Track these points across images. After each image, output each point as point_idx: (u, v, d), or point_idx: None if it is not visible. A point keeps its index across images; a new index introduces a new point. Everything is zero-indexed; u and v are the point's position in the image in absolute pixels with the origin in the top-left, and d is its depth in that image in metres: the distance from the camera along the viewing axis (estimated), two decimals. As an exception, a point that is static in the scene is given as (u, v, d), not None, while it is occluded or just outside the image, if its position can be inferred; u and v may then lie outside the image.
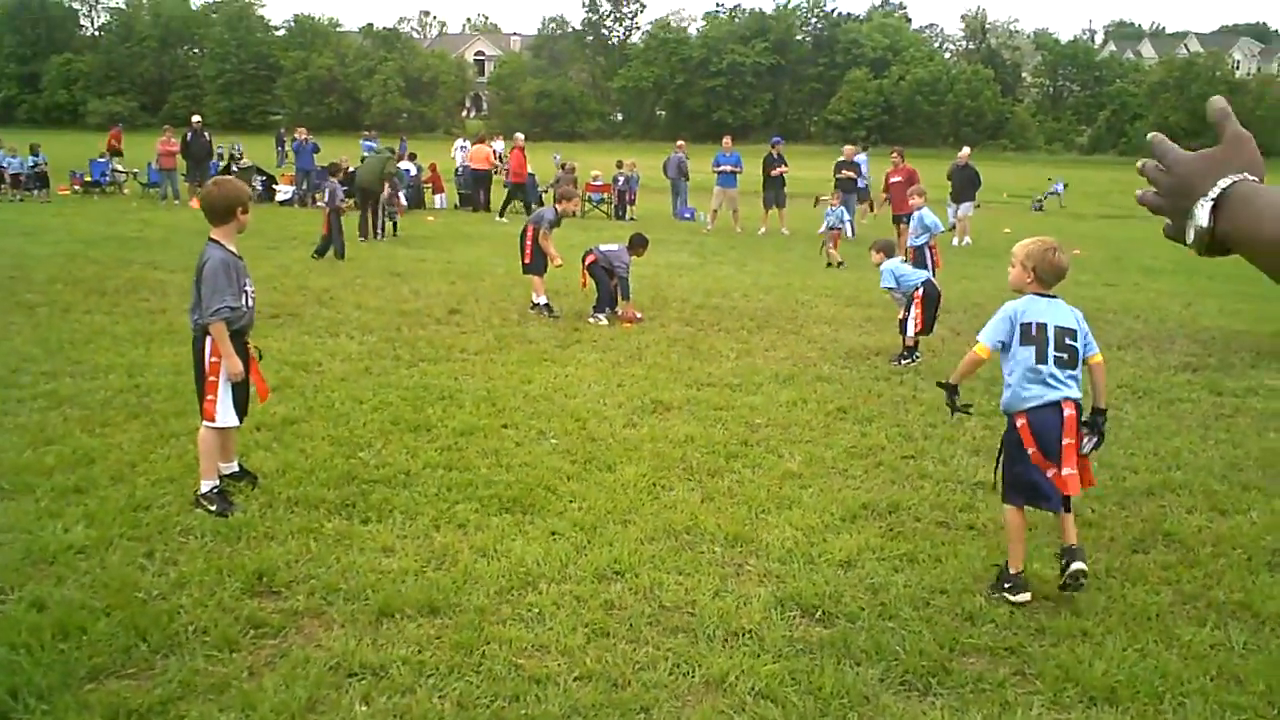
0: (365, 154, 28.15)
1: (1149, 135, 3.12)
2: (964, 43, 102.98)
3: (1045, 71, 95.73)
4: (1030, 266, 4.84)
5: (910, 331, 9.74)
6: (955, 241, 21.75)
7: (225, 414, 5.58)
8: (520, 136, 27.53)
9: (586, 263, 11.74)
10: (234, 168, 27.54)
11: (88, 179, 27.50)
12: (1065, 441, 4.64)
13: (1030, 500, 4.75)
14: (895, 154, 21.58)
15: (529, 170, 26.28)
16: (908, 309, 9.75)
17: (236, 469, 5.97)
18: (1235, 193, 1.55)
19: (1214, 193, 1.59)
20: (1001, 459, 4.88)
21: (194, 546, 5.06)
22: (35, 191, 24.98)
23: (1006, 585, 4.71)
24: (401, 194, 20.60)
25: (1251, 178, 1.66)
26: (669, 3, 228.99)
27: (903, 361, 9.73)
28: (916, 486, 6.33)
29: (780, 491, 6.14)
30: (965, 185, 22.91)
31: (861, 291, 14.15)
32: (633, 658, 4.12)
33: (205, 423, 5.59)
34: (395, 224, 20.43)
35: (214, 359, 5.51)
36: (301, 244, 17.63)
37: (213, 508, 5.48)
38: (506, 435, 7.12)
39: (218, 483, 5.62)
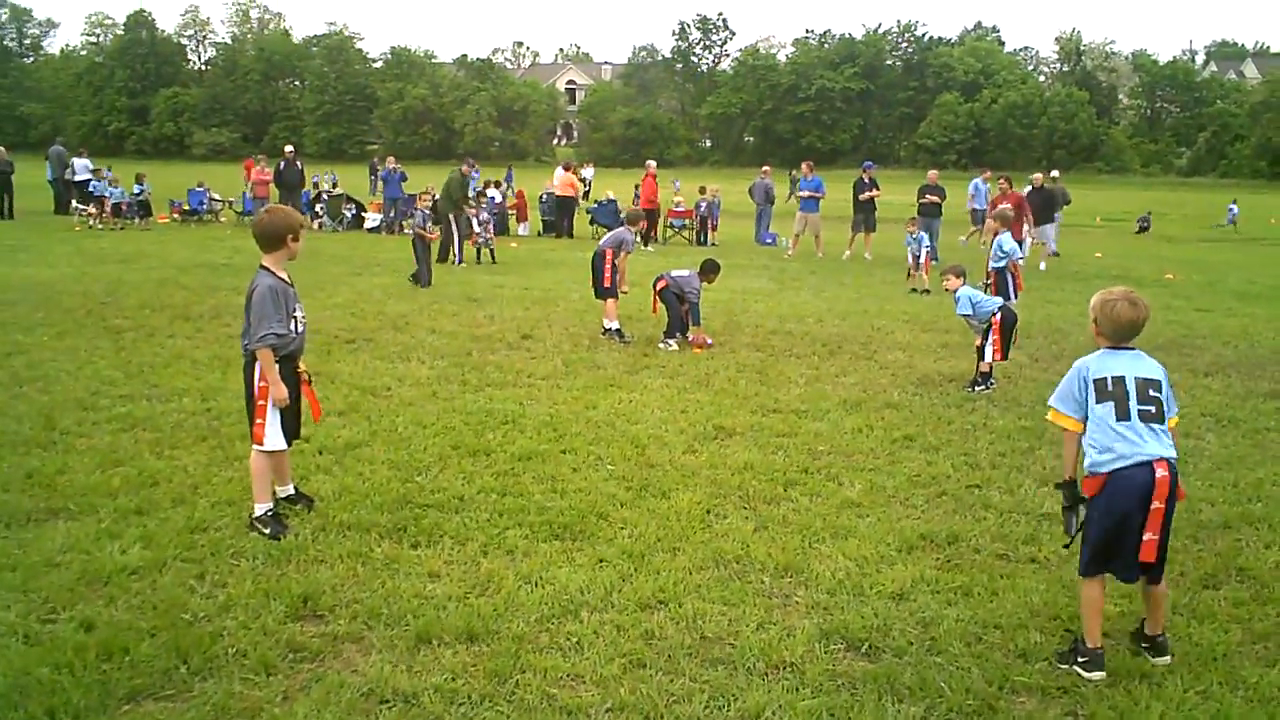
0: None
1: None
2: (1058, 65, 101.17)
3: (1143, 93, 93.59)
4: (1094, 319, 4.44)
5: (988, 357, 9.50)
6: (1041, 265, 21.27)
7: (274, 438, 5.65)
8: (652, 164, 27.34)
9: (658, 288, 11.71)
10: (324, 196, 28.19)
11: (185, 207, 28.40)
12: (1154, 506, 4.10)
13: (1111, 570, 4.27)
14: (1003, 180, 21.06)
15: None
16: (985, 335, 9.51)
17: (292, 492, 6.04)
18: None
19: None
20: (1082, 524, 4.35)
21: (244, 569, 5.12)
22: (136, 220, 25.86)
23: (1082, 660, 4.23)
24: (475, 221, 20.73)
25: None
26: (758, 29, 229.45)
27: (976, 388, 9.49)
28: (979, 517, 6.14)
29: (836, 520, 6.00)
30: (1042, 208, 22.39)
31: (940, 317, 13.88)
32: (668, 689, 4.04)
33: (255, 446, 5.66)
34: (491, 250, 20.79)
35: (262, 383, 5.58)
36: (385, 270, 17.94)
37: (266, 531, 5.54)
38: (564, 461, 7.09)
39: (271, 506, 5.68)
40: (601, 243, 12.44)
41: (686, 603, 4.82)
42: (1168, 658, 4.32)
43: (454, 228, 19.72)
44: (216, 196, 29.34)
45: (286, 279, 5.72)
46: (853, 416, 8.45)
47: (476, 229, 20.64)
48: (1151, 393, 4.27)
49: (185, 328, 11.76)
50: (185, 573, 5.04)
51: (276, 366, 5.58)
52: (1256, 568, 5.35)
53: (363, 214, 27.85)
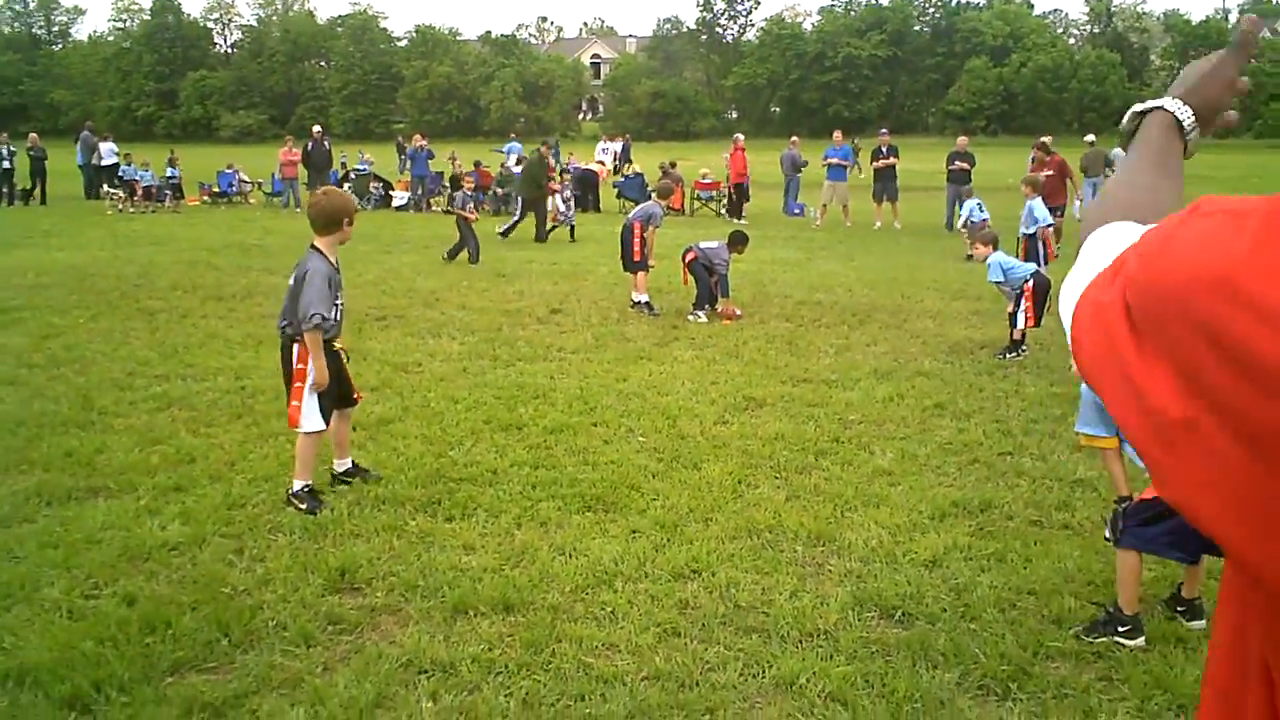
0: (506, 155, 28.68)
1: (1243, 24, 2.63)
2: (1088, 27, 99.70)
3: (1175, 54, 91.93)
4: None
5: (1020, 325, 9.43)
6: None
7: (312, 420, 5.68)
8: (740, 137, 26.87)
9: (687, 260, 11.69)
10: (352, 175, 28.28)
11: (215, 190, 28.58)
12: None
13: (1162, 551, 4.19)
14: (1037, 149, 20.01)
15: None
16: (1017, 302, 9.44)
17: (350, 466, 6.10)
18: (1149, 120, 1.23)
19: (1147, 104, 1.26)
20: (1132, 509, 4.22)
21: (282, 543, 5.19)
22: (167, 202, 26.07)
23: (1123, 629, 4.20)
24: (559, 199, 20.59)
25: (1181, 106, 1.33)
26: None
27: (1008, 355, 9.44)
28: (1012, 484, 6.12)
29: (868, 489, 6.00)
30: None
31: (970, 284, 13.78)
32: (702, 658, 4.06)
33: (297, 428, 5.71)
34: (572, 228, 20.52)
35: (299, 366, 5.62)
36: (414, 248, 18.00)
37: (303, 506, 5.60)
38: (595, 433, 7.12)
39: (309, 482, 5.73)
40: (630, 216, 12.43)
41: (720, 572, 4.84)
42: (1203, 621, 4.31)
43: (535, 211, 19.72)
44: (246, 178, 29.50)
45: (336, 264, 5.75)
46: (883, 385, 8.43)
47: (561, 207, 20.42)
48: None
49: (218, 308, 11.86)
50: (224, 548, 5.11)
51: (321, 349, 5.62)
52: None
53: (390, 192, 27.92)
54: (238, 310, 11.79)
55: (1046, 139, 20.42)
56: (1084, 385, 4.39)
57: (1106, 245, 1.00)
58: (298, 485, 5.71)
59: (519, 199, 20.29)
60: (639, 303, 11.80)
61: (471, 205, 16.99)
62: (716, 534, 5.32)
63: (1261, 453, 0.71)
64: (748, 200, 24.93)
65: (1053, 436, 7.07)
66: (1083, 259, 1.04)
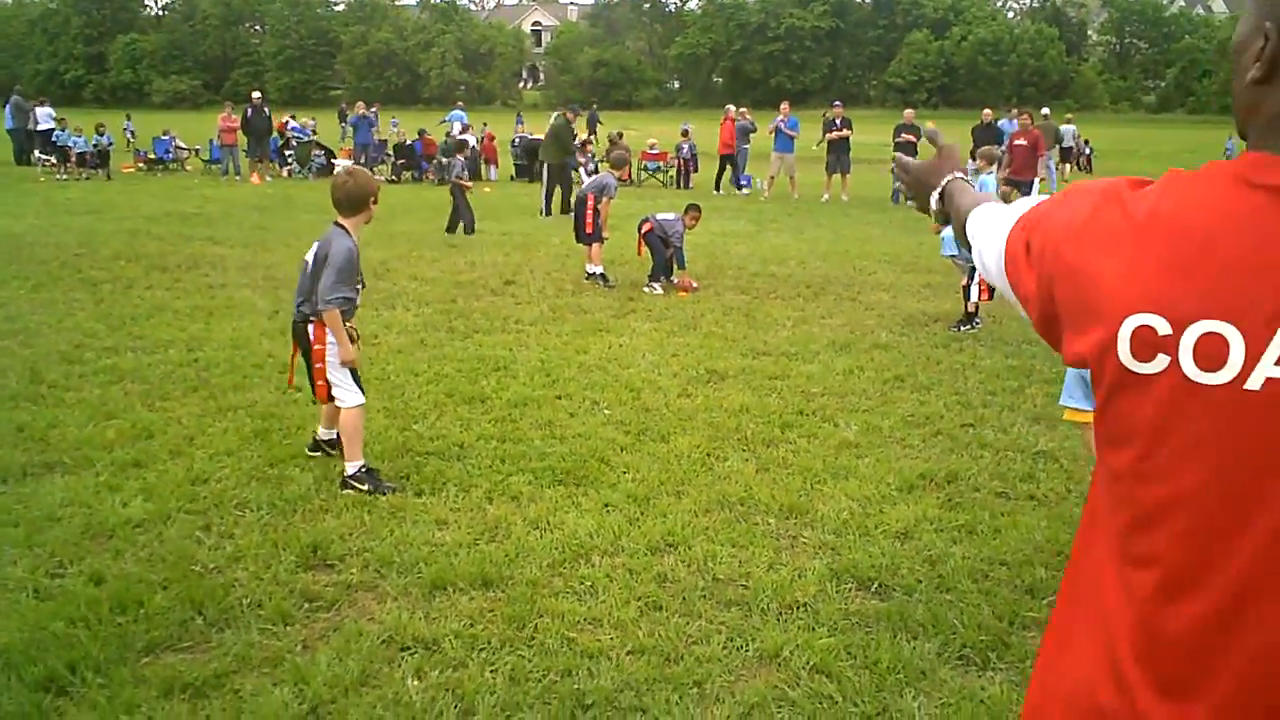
0: (450, 125, 28.14)
1: (926, 126, 3.16)
2: (1028, 1, 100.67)
3: (1112, 29, 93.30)
4: None
5: (974, 297, 9.53)
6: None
7: (353, 394, 5.57)
8: (731, 109, 26.35)
9: (643, 231, 11.66)
10: (293, 142, 27.78)
11: (151, 156, 27.91)
12: None
13: None
14: (1025, 116, 19.49)
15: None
16: (971, 275, 9.53)
17: (336, 436, 5.97)
18: (950, 186, 1.64)
19: (940, 186, 1.67)
20: None
21: (250, 520, 5.10)
22: (100, 170, 25.43)
23: None
24: (584, 170, 20.00)
25: (960, 175, 1.76)
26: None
27: (963, 328, 9.54)
28: (976, 456, 6.20)
29: (836, 461, 6.05)
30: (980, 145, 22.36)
31: (921, 257, 13.92)
32: (686, 631, 4.07)
33: (341, 404, 5.59)
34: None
35: (318, 346, 5.52)
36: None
37: (364, 487, 5.46)
38: (560, 406, 7.09)
39: (363, 462, 5.60)
40: (584, 187, 12.35)
41: (696, 545, 4.85)
42: None
43: (556, 178, 19.27)
44: (183, 145, 28.84)
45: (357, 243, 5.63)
46: (842, 358, 8.48)
47: (586, 179, 19.83)
48: None
49: (163, 279, 11.60)
50: (190, 525, 5.02)
51: (343, 327, 5.52)
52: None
53: (333, 160, 27.46)
54: (184, 281, 11.54)
55: (1025, 111, 20.30)
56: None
57: (996, 212, 1.64)
58: (352, 468, 5.55)
59: (544, 167, 19.79)
60: (593, 274, 11.75)
61: (466, 174, 16.66)
62: (689, 507, 5.33)
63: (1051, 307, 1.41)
64: (739, 169, 24.86)
65: (1012, 409, 7.17)
66: (982, 219, 1.67)
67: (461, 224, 16.02)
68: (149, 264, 12.50)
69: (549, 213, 18.75)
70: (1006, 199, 10.34)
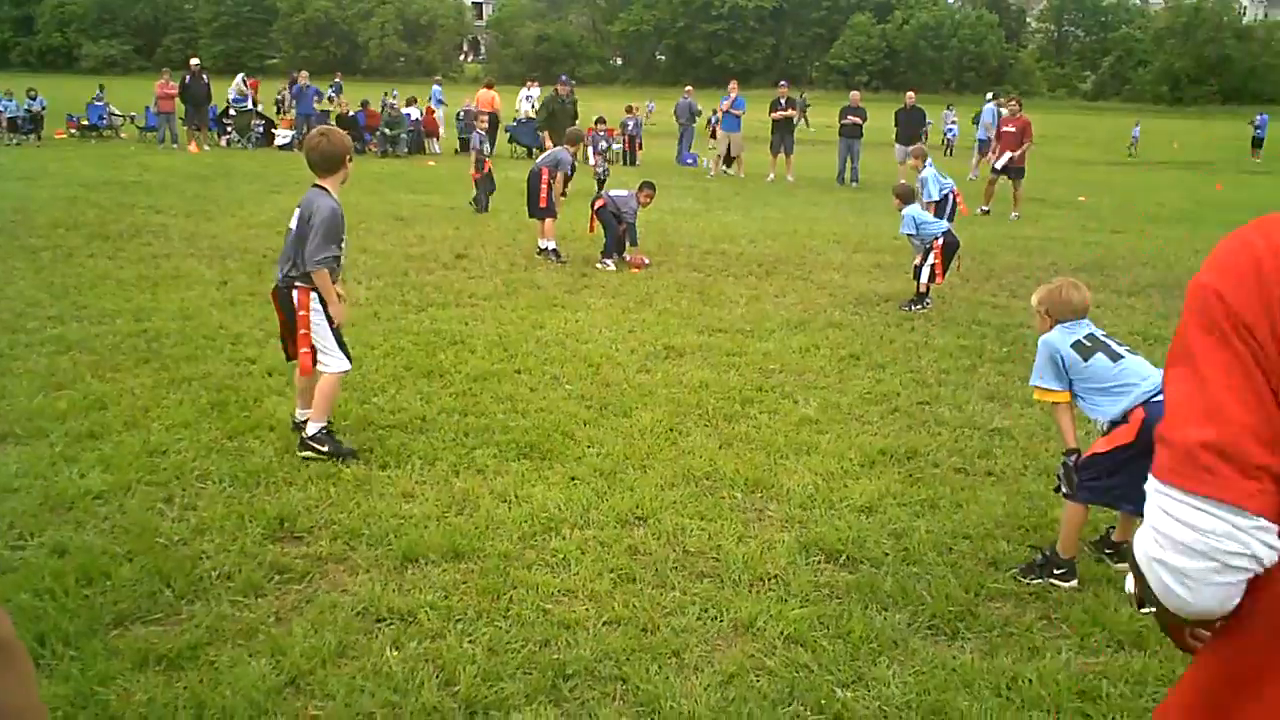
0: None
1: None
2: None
3: (1050, 16, 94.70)
4: (1044, 310, 4.56)
5: (925, 279, 9.65)
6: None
7: (338, 360, 5.56)
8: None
9: (595, 207, 11.63)
10: (231, 111, 27.24)
11: (84, 122, 27.21)
12: None
13: (1114, 503, 4.39)
14: (1014, 102, 19.56)
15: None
16: (924, 256, 9.65)
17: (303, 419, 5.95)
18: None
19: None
20: (1085, 463, 4.33)
21: (213, 491, 5.04)
22: (31, 136, 24.76)
23: (1058, 571, 4.38)
24: (592, 150, 19.36)
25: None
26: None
27: (913, 307, 9.67)
28: (934, 432, 6.30)
29: (798, 437, 6.11)
30: (906, 129, 22.60)
31: (870, 237, 14.06)
32: (660, 602, 4.10)
33: (323, 369, 5.54)
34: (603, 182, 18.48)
35: (302, 313, 5.45)
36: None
37: (324, 448, 5.45)
38: (520, 380, 7.07)
39: (326, 424, 5.56)
40: (538, 161, 12.27)
41: (665, 518, 4.88)
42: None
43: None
44: (117, 111, 28.14)
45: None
46: (798, 336, 8.56)
47: (593, 161, 19.17)
48: (1117, 341, 4.49)
49: (105, 247, 11.34)
50: (151, 496, 4.94)
51: (333, 287, 5.49)
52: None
53: (274, 130, 26.99)
54: (126, 250, 11.29)
55: (1014, 97, 20.31)
56: (1040, 343, 4.53)
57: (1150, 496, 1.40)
58: (314, 428, 5.51)
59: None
60: (545, 249, 11.70)
61: (478, 144, 16.10)
62: (655, 481, 5.36)
63: None
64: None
65: (966, 387, 7.29)
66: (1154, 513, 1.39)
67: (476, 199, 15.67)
68: (89, 232, 12.20)
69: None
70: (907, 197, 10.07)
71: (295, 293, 5.48)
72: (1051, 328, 4.52)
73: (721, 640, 3.86)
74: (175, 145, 24.81)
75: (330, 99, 26.57)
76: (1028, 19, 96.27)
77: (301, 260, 5.42)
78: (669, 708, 3.41)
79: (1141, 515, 3.93)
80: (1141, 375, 4.29)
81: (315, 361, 5.54)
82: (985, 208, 17.66)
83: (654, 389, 6.97)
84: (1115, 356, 4.34)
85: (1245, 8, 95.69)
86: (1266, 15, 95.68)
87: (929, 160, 12.13)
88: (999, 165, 17.86)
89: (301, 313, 5.47)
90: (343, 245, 5.60)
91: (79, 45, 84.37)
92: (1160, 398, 4.20)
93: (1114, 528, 4.64)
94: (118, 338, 7.72)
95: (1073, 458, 4.36)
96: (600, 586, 4.19)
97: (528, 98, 34.12)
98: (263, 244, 11.82)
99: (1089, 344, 4.39)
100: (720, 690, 3.53)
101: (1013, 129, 17.86)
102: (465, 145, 27.21)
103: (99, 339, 7.66)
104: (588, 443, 5.89)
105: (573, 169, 11.83)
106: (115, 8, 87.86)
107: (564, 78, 16.04)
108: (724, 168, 23.46)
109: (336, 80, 39.53)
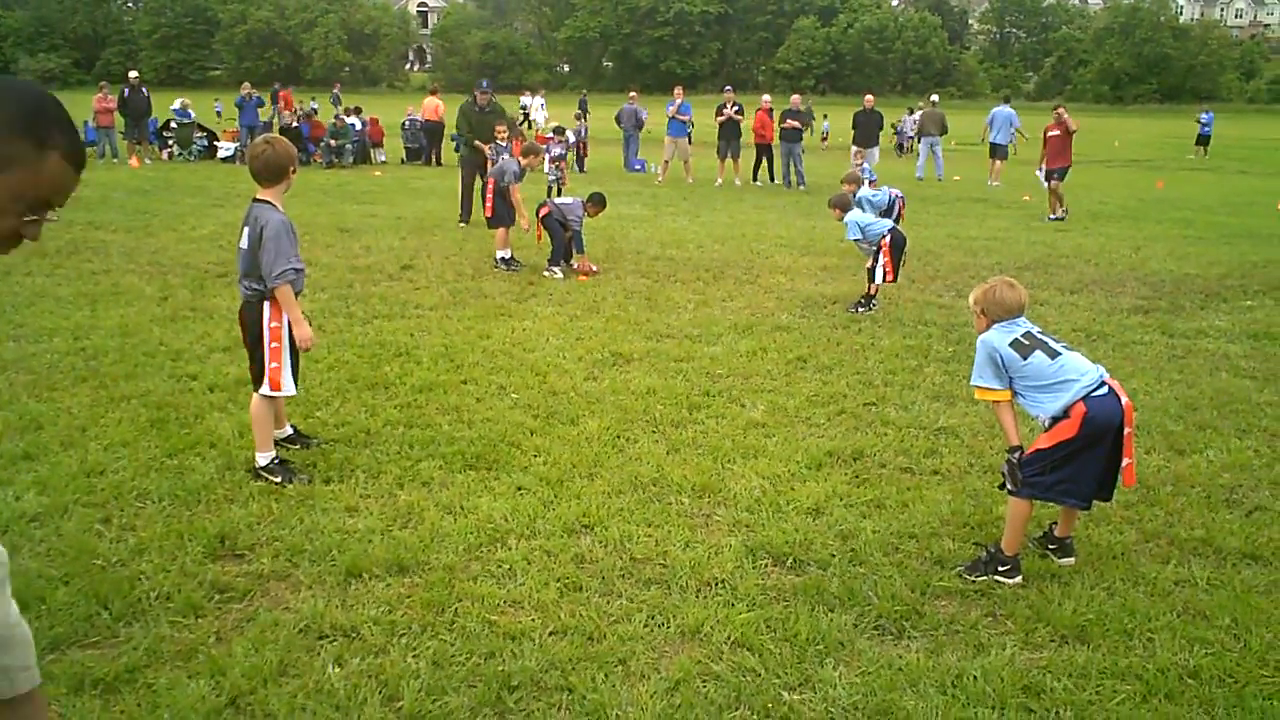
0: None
1: None
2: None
3: (992, 18, 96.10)
4: (980, 311, 4.59)
5: (879, 279, 9.69)
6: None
7: (288, 382, 5.41)
8: (767, 98, 24.70)
9: (541, 215, 11.60)
10: (172, 124, 26.89)
11: (21, 138, 26.70)
12: (1126, 431, 4.32)
13: (1058, 498, 4.41)
14: (1059, 109, 19.30)
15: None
16: (875, 257, 9.70)
17: (290, 432, 5.88)
18: None
19: None
20: (1028, 459, 4.38)
21: (152, 511, 4.95)
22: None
23: (1003, 568, 4.42)
24: (548, 159, 18.16)
25: None
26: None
27: (860, 309, 9.73)
28: (880, 433, 6.34)
29: (745, 441, 6.12)
30: (865, 130, 23.25)
31: (816, 241, 14.15)
32: (607, 610, 4.09)
33: (263, 392, 5.38)
34: (560, 189, 18.24)
35: (274, 325, 5.33)
36: (246, 202, 17.23)
37: (276, 479, 5.31)
38: (466, 391, 7.03)
39: (274, 454, 5.46)
40: (489, 172, 12.22)
41: (611, 526, 4.87)
42: (1072, 559, 4.58)
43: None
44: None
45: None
46: (745, 340, 8.58)
47: (547, 169, 18.51)
48: (1052, 336, 4.57)
49: (42, 264, 11.14)
50: (89, 517, 4.84)
51: (297, 304, 5.36)
52: (1142, 472, 5.65)
53: (215, 143, 26.69)
54: (64, 267, 11.10)
55: (1058, 105, 20.25)
56: (979, 343, 4.56)
57: None
58: (263, 460, 5.39)
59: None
60: (499, 259, 11.64)
61: (513, 175, 14.72)
62: (602, 489, 5.34)
63: None
64: (770, 160, 23.80)
65: (912, 387, 7.35)
66: None
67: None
68: (26, 249, 11.83)
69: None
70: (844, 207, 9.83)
71: (267, 305, 5.36)
72: (989, 327, 4.56)
73: (668, 646, 3.85)
74: (115, 159, 24.46)
75: (337, 117, 26.13)
76: (970, 21, 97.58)
77: (262, 276, 5.30)
78: (615, 716, 3.39)
79: (1085, 509, 4.01)
80: (1080, 371, 4.35)
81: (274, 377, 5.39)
82: (1055, 215, 17.66)
83: (601, 396, 6.95)
84: (1053, 354, 4.40)
85: (1182, 8, 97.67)
86: (1203, 14, 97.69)
87: (857, 192, 11.16)
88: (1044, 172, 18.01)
89: (274, 324, 5.35)
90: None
91: (15, 59, 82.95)
92: (1100, 392, 4.29)
93: (1056, 524, 4.69)
94: (55, 356, 7.58)
95: (1016, 454, 4.41)
96: (546, 596, 4.17)
97: (540, 107, 33.67)
98: (205, 258, 11.67)
99: (1027, 342, 4.44)
100: (667, 697, 3.52)
101: (1057, 133, 17.97)
102: (412, 155, 27.12)
103: (35, 358, 7.51)
104: (534, 452, 5.86)
105: (519, 177, 11.74)
106: (53, 20, 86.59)
107: (484, 84, 14.89)
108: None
109: (335, 92, 39.39)
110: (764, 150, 23.64)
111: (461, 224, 14.97)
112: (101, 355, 7.63)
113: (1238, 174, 30.21)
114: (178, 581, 4.23)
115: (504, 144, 13.98)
